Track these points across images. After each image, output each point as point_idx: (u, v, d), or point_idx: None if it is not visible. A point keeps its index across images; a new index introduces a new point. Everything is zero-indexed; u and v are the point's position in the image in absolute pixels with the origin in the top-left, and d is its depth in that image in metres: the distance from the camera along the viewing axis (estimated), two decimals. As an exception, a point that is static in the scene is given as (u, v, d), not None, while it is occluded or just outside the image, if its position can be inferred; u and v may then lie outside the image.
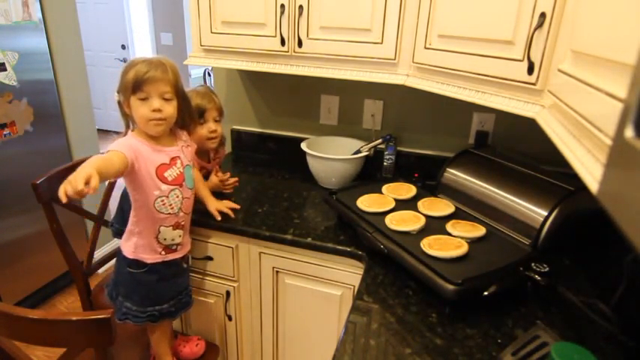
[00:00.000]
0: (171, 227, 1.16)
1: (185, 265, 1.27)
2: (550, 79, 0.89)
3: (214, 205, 1.34)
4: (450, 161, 1.40)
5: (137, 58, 1.10)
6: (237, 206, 1.37)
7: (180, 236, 1.19)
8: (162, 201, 1.12)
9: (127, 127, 1.14)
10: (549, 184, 1.18)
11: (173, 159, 1.13)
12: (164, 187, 1.11)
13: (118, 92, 1.10)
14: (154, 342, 1.28)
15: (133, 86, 1.04)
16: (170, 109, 1.08)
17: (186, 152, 1.19)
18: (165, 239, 1.17)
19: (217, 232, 1.34)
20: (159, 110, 1.05)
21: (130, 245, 1.17)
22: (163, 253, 1.18)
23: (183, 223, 1.19)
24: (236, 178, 1.50)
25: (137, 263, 1.17)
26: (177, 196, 1.14)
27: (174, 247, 1.20)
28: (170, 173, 1.12)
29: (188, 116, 1.18)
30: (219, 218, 1.32)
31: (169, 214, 1.14)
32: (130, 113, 1.09)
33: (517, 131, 1.52)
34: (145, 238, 1.16)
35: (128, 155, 1.02)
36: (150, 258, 1.17)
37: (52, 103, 2.16)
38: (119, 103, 1.10)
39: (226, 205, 1.35)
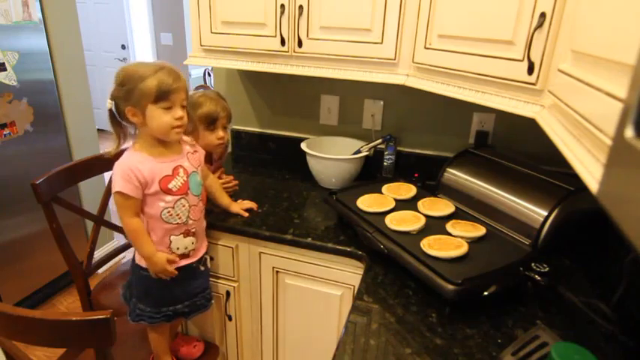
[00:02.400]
0: (181, 235, 1.15)
1: (202, 268, 1.26)
2: (550, 79, 0.89)
3: (238, 207, 1.36)
4: (450, 161, 1.40)
5: (139, 65, 1.07)
6: (255, 206, 1.39)
7: (193, 243, 1.18)
8: (169, 212, 1.11)
9: (119, 139, 1.10)
10: (549, 184, 1.18)
11: (175, 168, 1.11)
12: (169, 198, 1.10)
13: (114, 99, 1.06)
14: (153, 341, 1.28)
15: (158, 95, 1.03)
16: (186, 116, 1.10)
17: (192, 159, 1.17)
18: (178, 248, 1.16)
19: (217, 232, 1.34)
20: (181, 118, 1.07)
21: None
22: (176, 259, 1.17)
23: (194, 230, 1.18)
24: (236, 182, 1.51)
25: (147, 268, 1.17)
26: (184, 205, 1.13)
27: (187, 253, 1.19)
28: (174, 184, 1.11)
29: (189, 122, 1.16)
30: (246, 215, 1.35)
31: (178, 223, 1.13)
32: (141, 121, 1.06)
33: (517, 131, 1.52)
34: (157, 248, 1.14)
35: (137, 194, 1.06)
36: None
37: (52, 103, 2.16)
38: (112, 111, 1.07)
39: (248, 206, 1.38)
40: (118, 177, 1.06)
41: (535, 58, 0.91)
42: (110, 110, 1.08)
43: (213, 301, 1.32)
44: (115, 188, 1.06)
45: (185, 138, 1.19)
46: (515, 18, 0.94)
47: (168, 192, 1.10)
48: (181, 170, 1.13)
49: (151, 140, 1.10)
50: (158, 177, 1.08)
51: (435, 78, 1.20)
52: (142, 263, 1.16)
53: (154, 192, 1.08)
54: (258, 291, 1.39)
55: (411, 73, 1.28)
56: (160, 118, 1.05)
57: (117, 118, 1.08)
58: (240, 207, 1.36)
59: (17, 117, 1.98)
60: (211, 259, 1.37)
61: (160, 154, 1.11)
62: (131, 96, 1.04)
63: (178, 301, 1.21)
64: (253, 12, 1.36)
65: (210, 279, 1.41)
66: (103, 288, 1.54)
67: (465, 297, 0.90)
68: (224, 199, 1.36)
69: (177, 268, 1.17)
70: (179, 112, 1.06)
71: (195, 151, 1.20)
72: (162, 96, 1.03)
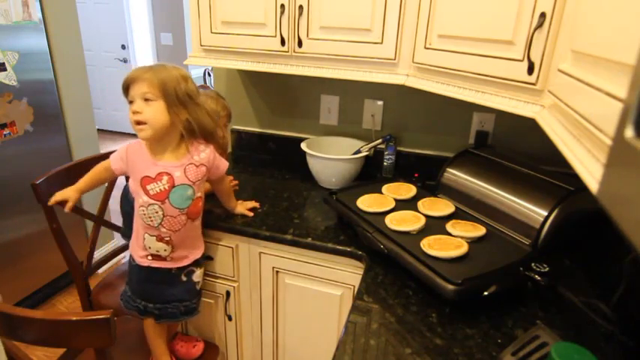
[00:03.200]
0: (154, 238, 1.15)
1: (184, 279, 1.23)
2: (550, 79, 0.89)
3: (242, 208, 1.37)
4: (450, 161, 1.40)
5: None
6: (257, 205, 1.41)
7: (165, 250, 1.16)
8: (143, 211, 1.12)
9: None
10: (549, 184, 1.18)
11: (160, 174, 1.09)
12: (145, 198, 1.10)
13: None
14: (151, 342, 1.28)
15: (123, 90, 1.06)
16: (150, 111, 1.02)
17: (191, 171, 1.12)
18: (150, 247, 1.16)
19: (217, 231, 1.34)
20: (137, 112, 1.03)
21: (131, 240, 1.21)
22: (150, 258, 1.18)
23: (167, 239, 1.15)
24: (236, 182, 1.51)
25: (132, 257, 1.21)
26: (157, 212, 1.11)
27: (163, 257, 1.18)
28: (152, 187, 1.10)
29: (198, 125, 1.10)
30: (251, 214, 1.36)
31: (149, 225, 1.13)
32: None
33: (517, 131, 1.52)
34: (136, 239, 1.18)
35: (116, 167, 1.15)
36: (137, 259, 1.19)
37: (52, 103, 2.16)
38: None
39: (251, 205, 1.39)
40: (119, 150, 1.15)
41: (535, 58, 0.91)
42: None
43: (191, 316, 1.27)
44: (112, 154, 1.17)
45: (205, 149, 1.15)
46: (515, 18, 0.94)
47: (146, 192, 1.10)
48: (165, 178, 1.09)
49: (157, 141, 1.11)
50: (141, 174, 1.10)
51: (435, 78, 1.20)
52: (132, 252, 1.21)
53: (136, 185, 1.11)
54: (258, 291, 1.39)
55: (411, 73, 1.28)
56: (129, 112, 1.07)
57: None
58: (245, 207, 1.37)
59: (17, 117, 1.98)
60: (211, 258, 1.37)
61: (156, 154, 1.11)
62: None
63: (150, 299, 1.21)
64: (253, 12, 1.36)
65: (211, 279, 1.41)
66: (103, 288, 1.54)
67: (465, 297, 0.90)
68: (231, 203, 1.36)
69: (152, 268, 1.19)
70: (134, 106, 1.04)
71: (202, 165, 1.14)
72: (124, 90, 1.06)
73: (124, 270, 1.60)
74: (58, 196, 1.19)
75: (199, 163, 1.14)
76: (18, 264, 2.09)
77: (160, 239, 1.15)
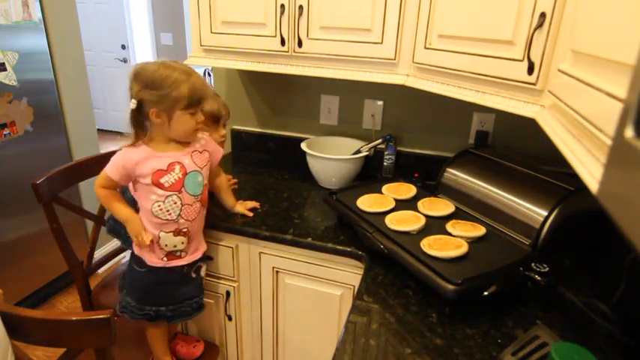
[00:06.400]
0: (171, 233, 1.15)
1: (194, 275, 1.24)
2: (550, 79, 0.89)
3: (242, 207, 1.36)
4: (450, 161, 1.40)
5: (168, 67, 1.03)
6: (258, 205, 1.41)
7: (183, 243, 1.17)
8: (159, 206, 1.11)
9: (138, 139, 1.10)
10: (549, 184, 1.18)
11: (171, 164, 1.11)
12: (160, 192, 1.10)
13: (141, 100, 1.04)
14: (152, 342, 1.28)
15: (190, 103, 1.05)
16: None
17: (197, 158, 1.16)
18: (166, 245, 1.16)
19: (217, 231, 1.34)
20: (202, 122, 1.12)
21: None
22: (165, 259, 1.17)
23: (185, 230, 1.16)
24: (235, 180, 1.51)
25: (140, 262, 1.18)
26: (175, 202, 1.12)
27: (177, 254, 1.18)
28: (167, 179, 1.10)
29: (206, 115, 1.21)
30: (251, 214, 1.35)
31: (167, 220, 1.13)
32: (164, 123, 1.06)
33: (517, 131, 1.52)
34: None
35: (117, 176, 1.10)
36: (150, 261, 1.17)
37: (52, 103, 2.16)
38: (134, 111, 1.05)
39: (251, 205, 1.39)
40: (113, 161, 1.10)
41: (535, 58, 0.91)
42: (133, 110, 1.06)
43: (201, 312, 1.28)
44: (105, 168, 1.11)
45: (202, 136, 1.20)
46: (515, 18, 0.94)
47: (160, 186, 1.10)
48: (177, 167, 1.12)
49: (162, 138, 1.11)
50: (151, 170, 1.09)
51: (435, 78, 1.20)
52: (135, 251, 1.20)
53: (147, 184, 1.10)
54: (258, 291, 1.39)
55: (411, 73, 1.28)
56: (186, 123, 1.08)
57: (139, 118, 1.08)
58: (245, 207, 1.37)
59: (17, 117, 1.98)
60: (211, 259, 1.37)
61: (162, 149, 1.11)
62: (163, 101, 1.03)
63: (162, 303, 1.20)
64: (253, 12, 1.36)
65: (211, 279, 1.41)
66: (103, 288, 1.54)
67: (465, 297, 0.90)
68: (229, 200, 1.35)
69: (166, 269, 1.18)
70: (202, 117, 1.11)
71: (205, 151, 1.19)
72: (194, 104, 1.06)
73: (124, 270, 1.60)
74: (137, 236, 1.15)
75: (202, 149, 1.18)
76: (18, 264, 2.09)
77: (177, 233, 1.15)
